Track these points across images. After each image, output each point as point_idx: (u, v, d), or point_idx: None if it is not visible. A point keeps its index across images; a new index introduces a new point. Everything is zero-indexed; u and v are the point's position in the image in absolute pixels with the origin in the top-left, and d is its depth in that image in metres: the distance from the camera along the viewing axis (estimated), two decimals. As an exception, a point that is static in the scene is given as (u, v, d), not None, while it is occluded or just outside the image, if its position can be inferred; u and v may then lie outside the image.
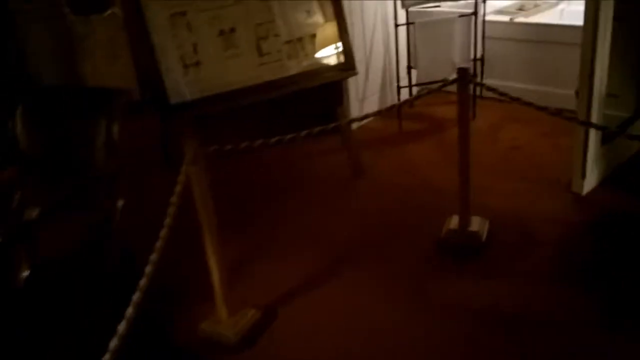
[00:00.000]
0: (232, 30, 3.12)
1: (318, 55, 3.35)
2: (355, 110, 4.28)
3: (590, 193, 3.06)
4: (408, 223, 3.02)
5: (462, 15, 3.87)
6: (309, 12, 3.30)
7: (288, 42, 3.25)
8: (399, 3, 3.94)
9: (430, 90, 2.49)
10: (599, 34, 2.75)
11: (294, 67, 3.28)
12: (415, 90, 4.26)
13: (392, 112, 4.35)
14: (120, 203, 2.49)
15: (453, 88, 2.49)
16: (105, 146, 2.51)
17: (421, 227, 2.95)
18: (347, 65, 3.41)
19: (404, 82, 4.15)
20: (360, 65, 4.19)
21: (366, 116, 2.70)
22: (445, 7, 4.17)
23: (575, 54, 2.90)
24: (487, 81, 4.30)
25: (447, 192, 2.85)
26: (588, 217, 2.89)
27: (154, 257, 1.84)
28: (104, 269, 2.29)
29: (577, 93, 2.89)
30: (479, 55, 4.10)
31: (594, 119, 2.86)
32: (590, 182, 3.06)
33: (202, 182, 2.12)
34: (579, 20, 2.87)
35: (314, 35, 3.33)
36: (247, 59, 3.17)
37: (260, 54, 3.21)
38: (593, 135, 2.92)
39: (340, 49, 3.38)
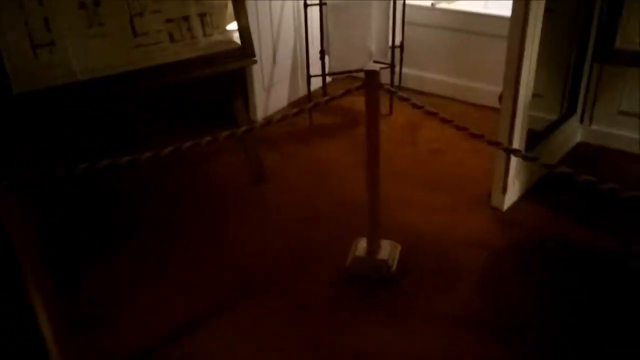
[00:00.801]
0: (96, 3, 2.49)
1: (208, 38, 2.79)
2: (260, 100, 3.77)
3: (512, 208, 2.75)
4: (313, 245, 2.57)
5: (380, -3, 3.42)
6: (197, -14, 2.72)
7: (170, 20, 2.68)
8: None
9: (335, 96, 2.02)
10: (528, 28, 2.38)
11: (178, 52, 2.72)
12: (328, 79, 3.81)
13: (301, 103, 3.88)
14: None
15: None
16: None
17: (328, 249, 2.51)
18: (245, 51, 2.88)
19: (315, 68, 3.66)
20: (266, 49, 3.67)
21: (269, 122, 2.09)
22: (362, -14, 3.69)
23: (502, 47, 2.54)
24: (407, 71, 3.95)
25: (359, 204, 2.40)
26: (511, 238, 2.56)
27: None
28: None
29: (500, 98, 2.53)
30: (397, 42, 3.68)
31: (518, 128, 2.53)
32: (511, 196, 2.75)
33: (15, 217, 1.55)
34: (505, 10, 2.51)
35: (203, 14, 2.76)
36: (118, 40, 2.57)
37: (134, 34, 2.61)
38: (516, 145, 2.59)
39: (237, 32, 2.86)
